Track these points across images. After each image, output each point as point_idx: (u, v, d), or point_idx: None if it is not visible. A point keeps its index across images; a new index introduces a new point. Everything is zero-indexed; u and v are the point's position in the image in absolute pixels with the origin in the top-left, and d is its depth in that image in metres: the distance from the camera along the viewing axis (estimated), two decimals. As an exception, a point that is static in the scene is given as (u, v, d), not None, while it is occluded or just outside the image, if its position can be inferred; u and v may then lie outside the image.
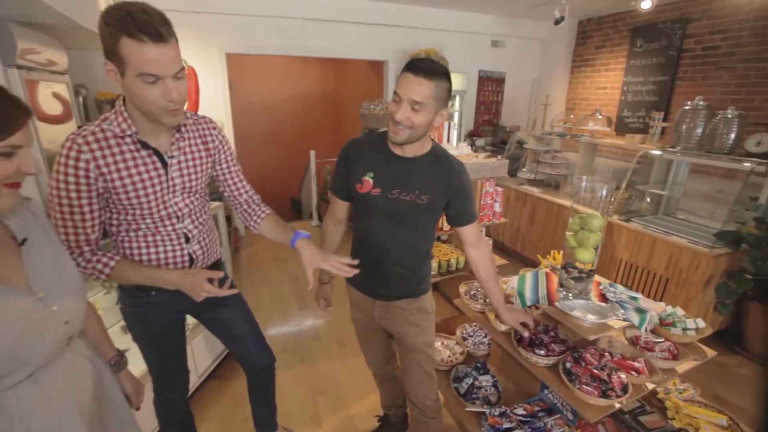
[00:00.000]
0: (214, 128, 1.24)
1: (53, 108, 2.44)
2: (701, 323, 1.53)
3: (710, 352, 1.50)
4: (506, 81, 5.18)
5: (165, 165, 1.10)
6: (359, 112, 4.66)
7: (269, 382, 1.59)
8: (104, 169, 1.01)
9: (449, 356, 1.87)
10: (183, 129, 1.13)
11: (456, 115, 4.57)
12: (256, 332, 1.48)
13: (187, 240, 1.21)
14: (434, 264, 2.45)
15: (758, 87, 3.16)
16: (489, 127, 5.30)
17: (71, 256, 1.03)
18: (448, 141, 2.83)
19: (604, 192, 1.49)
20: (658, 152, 2.82)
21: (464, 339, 1.97)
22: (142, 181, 1.07)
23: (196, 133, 1.19)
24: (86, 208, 1.02)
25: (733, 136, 2.48)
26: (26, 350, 0.71)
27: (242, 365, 1.53)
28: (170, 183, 1.12)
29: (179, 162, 1.14)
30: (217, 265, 1.37)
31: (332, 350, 2.48)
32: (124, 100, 1.02)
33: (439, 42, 4.45)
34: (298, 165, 6.08)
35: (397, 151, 1.25)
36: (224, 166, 1.28)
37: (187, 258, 1.21)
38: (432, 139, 1.35)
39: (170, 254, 1.18)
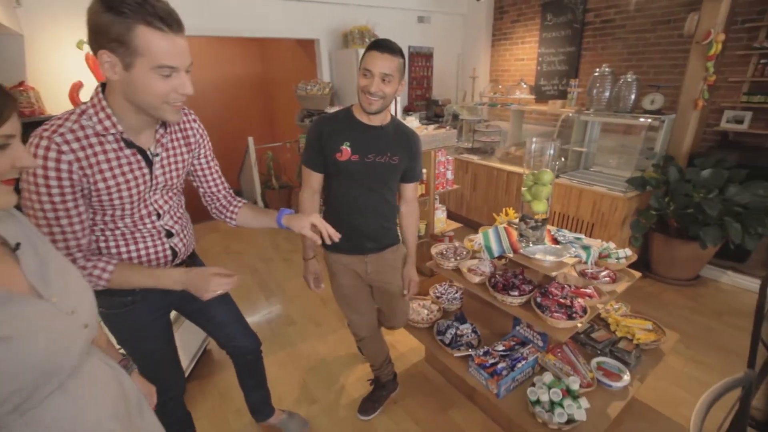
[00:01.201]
0: (195, 121, 1.19)
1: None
2: (628, 252, 1.87)
3: (636, 274, 1.85)
4: (434, 56, 5.37)
5: (149, 164, 1.05)
6: (295, 93, 4.52)
7: (258, 365, 1.61)
8: (87, 171, 0.93)
9: (428, 315, 2.03)
10: (166, 124, 1.08)
11: (393, 92, 4.66)
12: (239, 317, 1.49)
13: (169, 235, 1.17)
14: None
15: (645, 55, 3.71)
16: (422, 102, 5.49)
17: (83, 262, 0.96)
18: (396, 115, 2.93)
19: (551, 151, 1.72)
20: (577, 115, 3.22)
21: (438, 297, 2.14)
22: (127, 182, 1.00)
23: (177, 127, 1.13)
24: (73, 212, 0.93)
25: (633, 97, 2.93)
26: (54, 359, 0.67)
27: (229, 352, 1.52)
28: (154, 182, 1.07)
29: (161, 159, 1.08)
30: (192, 256, 1.36)
31: (309, 331, 2.52)
32: (102, 93, 0.93)
33: (369, 19, 4.46)
34: (233, 153, 5.74)
35: (366, 120, 1.44)
36: (203, 161, 1.25)
37: (169, 252, 1.18)
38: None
39: (151, 249, 1.14)
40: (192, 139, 1.17)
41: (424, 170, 2.55)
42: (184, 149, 1.15)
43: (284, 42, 5.43)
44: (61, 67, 2.99)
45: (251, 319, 2.68)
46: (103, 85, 0.94)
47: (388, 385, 1.94)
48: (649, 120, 2.81)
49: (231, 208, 1.31)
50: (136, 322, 1.19)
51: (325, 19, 4.35)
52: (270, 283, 3.12)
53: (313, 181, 1.52)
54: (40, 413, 0.66)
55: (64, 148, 0.88)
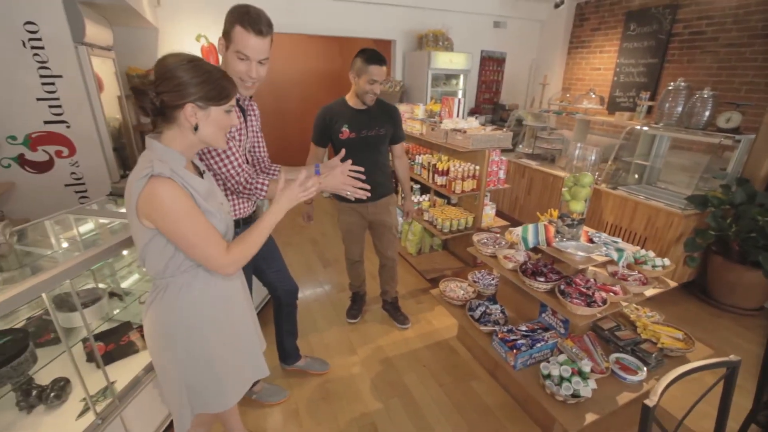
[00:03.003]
0: (256, 107, 1.54)
1: (107, 81, 2.70)
2: (667, 262, 1.92)
3: (672, 283, 1.90)
4: (507, 61, 5.44)
5: (245, 120, 1.43)
6: (368, 89, 4.90)
7: (295, 310, 1.97)
8: None
9: (463, 294, 2.25)
10: (251, 99, 1.48)
11: (460, 93, 4.84)
12: (287, 268, 1.86)
13: None
14: (446, 224, 2.81)
15: (737, 70, 3.49)
16: (489, 105, 5.59)
17: (245, 184, 1.36)
18: (458, 115, 3.14)
19: (593, 157, 1.85)
20: (643, 128, 3.17)
21: (475, 282, 2.35)
22: (240, 131, 1.38)
23: (253, 107, 1.51)
24: (234, 148, 1.32)
25: (707, 113, 2.83)
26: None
27: (279, 295, 1.86)
28: (249, 132, 1.47)
29: (248, 118, 1.47)
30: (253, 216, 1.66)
31: (357, 298, 2.86)
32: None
33: (445, 22, 4.68)
34: (306, 140, 6.33)
35: (358, 106, 2.00)
36: (259, 133, 1.59)
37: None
38: None
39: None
40: (253, 114, 1.52)
41: (477, 167, 2.75)
42: (247, 119, 1.50)
43: (362, 42, 5.83)
44: (184, 55, 3.70)
45: (310, 284, 3.10)
46: None
47: (362, 298, 2.62)
48: (721, 139, 2.72)
49: (273, 169, 1.61)
50: None
51: (402, 22, 4.66)
52: (327, 254, 3.53)
53: (319, 153, 2.11)
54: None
55: None
